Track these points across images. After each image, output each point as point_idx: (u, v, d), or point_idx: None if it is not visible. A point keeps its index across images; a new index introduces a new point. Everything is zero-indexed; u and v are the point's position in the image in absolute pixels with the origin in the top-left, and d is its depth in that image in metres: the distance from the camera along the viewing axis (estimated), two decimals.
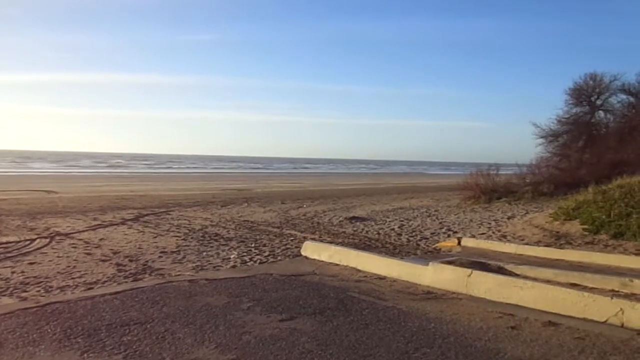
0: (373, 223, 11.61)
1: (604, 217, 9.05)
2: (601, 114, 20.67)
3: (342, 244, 8.17)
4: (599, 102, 20.30)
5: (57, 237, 8.53)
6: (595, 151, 18.60)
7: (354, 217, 12.43)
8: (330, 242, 8.31)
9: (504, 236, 9.73)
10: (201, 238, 8.88)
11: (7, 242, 7.91)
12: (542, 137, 20.47)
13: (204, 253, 7.50)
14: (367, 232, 10.25)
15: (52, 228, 9.56)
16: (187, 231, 9.65)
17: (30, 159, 77.41)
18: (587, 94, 20.28)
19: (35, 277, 5.76)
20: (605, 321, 4.19)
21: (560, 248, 8.01)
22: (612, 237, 8.47)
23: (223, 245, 8.23)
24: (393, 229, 10.62)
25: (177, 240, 8.61)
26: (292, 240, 8.84)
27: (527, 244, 8.58)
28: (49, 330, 3.83)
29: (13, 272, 5.95)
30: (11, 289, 5.21)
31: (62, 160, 76.04)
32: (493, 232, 10.27)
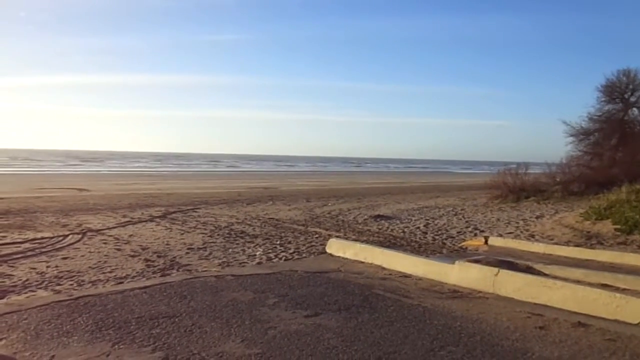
0: (398, 221, 11.54)
1: (637, 217, 8.80)
2: (635, 111, 19.99)
3: (367, 242, 8.15)
4: (632, 99, 19.64)
5: (89, 233, 8.78)
6: (628, 149, 18.04)
7: (378, 216, 12.39)
8: (355, 240, 8.31)
9: (533, 236, 9.55)
10: (227, 235, 8.99)
11: (42, 238, 8.18)
12: (572, 136, 19.96)
13: (230, 250, 7.60)
14: (392, 230, 10.20)
15: (84, 224, 9.84)
16: (213, 228, 9.79)
17: (71, 158, 79.91)
18: (620, 90, 19.65)
19: (68, 271, 5.95)
20: (638, 323, 4.07)
21: (591, 248, 7.82)
22: None
23: (249, 242, 8.32)
24: (418, 228, 10.55)
25: (203, 237, 8.74)
26: (317, 237, 8.87)
27: (556, 243, 8.40)
28: (82, 322, 3.96)
29: (48, 267, 6.16)
30: (46, 282, 5.40)
31: (98, 159, 77.96)
32: (521, 232, 10.09)
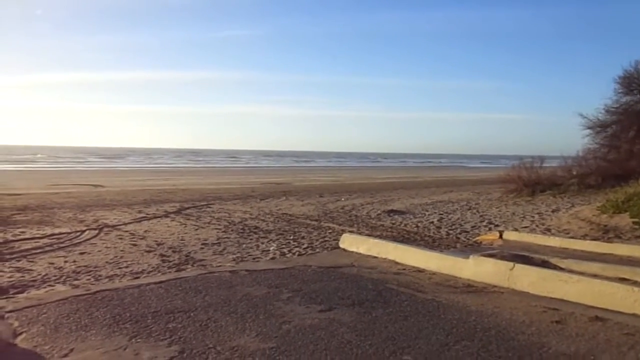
0: (411, 216, 11.50)
1: None
2: None
3: (381, 237, 8.14)
4: None
5: (105, 229, 8.90)
6: None
7: (392, 211, 12.35)
8: (369, 235, 8.30)
9: (548, 230, 9.44)
10: (241, 230, 9.05)
11: (59, 233, 8.32)
12: (589, 128, 19.60)
13: (244, 245, 7.64)
14: (405, 225, 10.17)
15: (100, 220, 9.97)
16: (227, 224, 9.85)
17: (90, 155, 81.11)
18: (638, 82, 19.24)
19: (85, 266, 6.04)
20: None
21: (609, 242, 7.70)
22: None
23: (262, 237, 8.37)
24: (432, 222, 10.49)
25: (217, 232, 8.81)
26: (330, 232, 8.88)
27: (572, 237, 8.29)
28: (99, 316, 4.02)
29: (66, 262, 6.26)
30: (64, 277, 5.49)
31: (113, 156, 78.80)
32: (536, 226, 9.98)
